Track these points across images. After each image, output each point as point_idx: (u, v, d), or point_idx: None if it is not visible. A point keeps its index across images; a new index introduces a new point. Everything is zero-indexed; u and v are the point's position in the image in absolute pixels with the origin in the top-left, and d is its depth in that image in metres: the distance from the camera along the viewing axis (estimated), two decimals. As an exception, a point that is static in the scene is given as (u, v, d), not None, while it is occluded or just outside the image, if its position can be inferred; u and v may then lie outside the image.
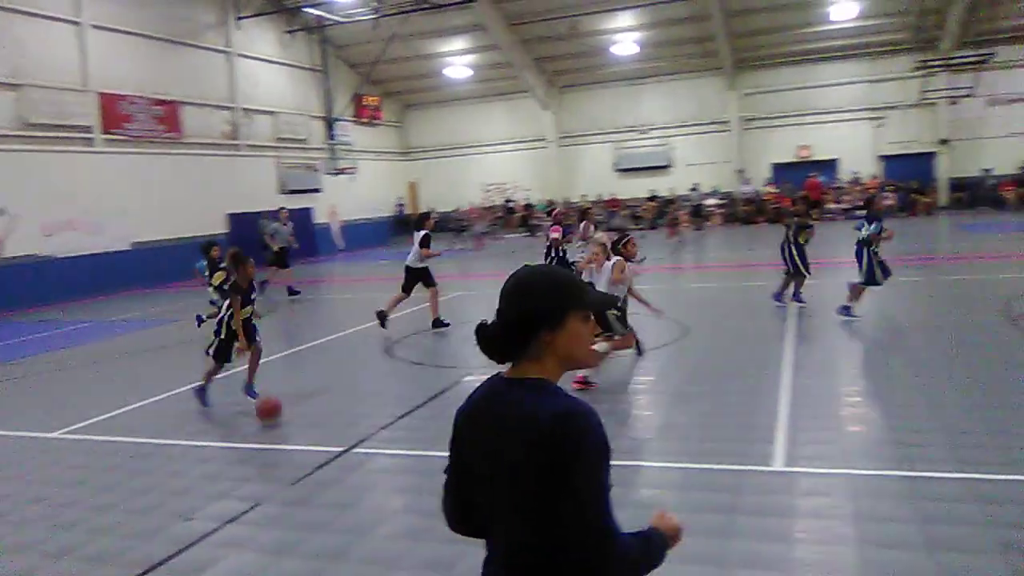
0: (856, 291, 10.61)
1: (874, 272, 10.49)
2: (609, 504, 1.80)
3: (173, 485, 6.15)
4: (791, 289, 11.97)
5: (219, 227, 25.22)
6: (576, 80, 34.31)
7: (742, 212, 31.31)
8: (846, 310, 10.59)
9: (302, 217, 27.26)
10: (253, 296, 8.25)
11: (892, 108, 30.70)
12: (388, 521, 5.26)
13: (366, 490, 5.87)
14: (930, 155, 30.66)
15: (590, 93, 34.52)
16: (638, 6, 28.94)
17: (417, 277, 12.27)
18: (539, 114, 34.76)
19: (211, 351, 8.20)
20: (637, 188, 33.25)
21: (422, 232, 12.24)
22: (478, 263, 23.77)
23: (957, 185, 30.34)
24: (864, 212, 11.41)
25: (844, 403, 7.27)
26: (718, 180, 32.66)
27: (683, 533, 2.03)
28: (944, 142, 30.24)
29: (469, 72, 33.67)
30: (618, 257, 8.17)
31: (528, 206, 34.89)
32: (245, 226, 25.93)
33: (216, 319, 8.43)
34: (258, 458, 6.83)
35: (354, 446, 6.76)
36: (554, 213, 13.41)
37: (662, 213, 30.88)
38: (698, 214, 30.89)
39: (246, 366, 8.39)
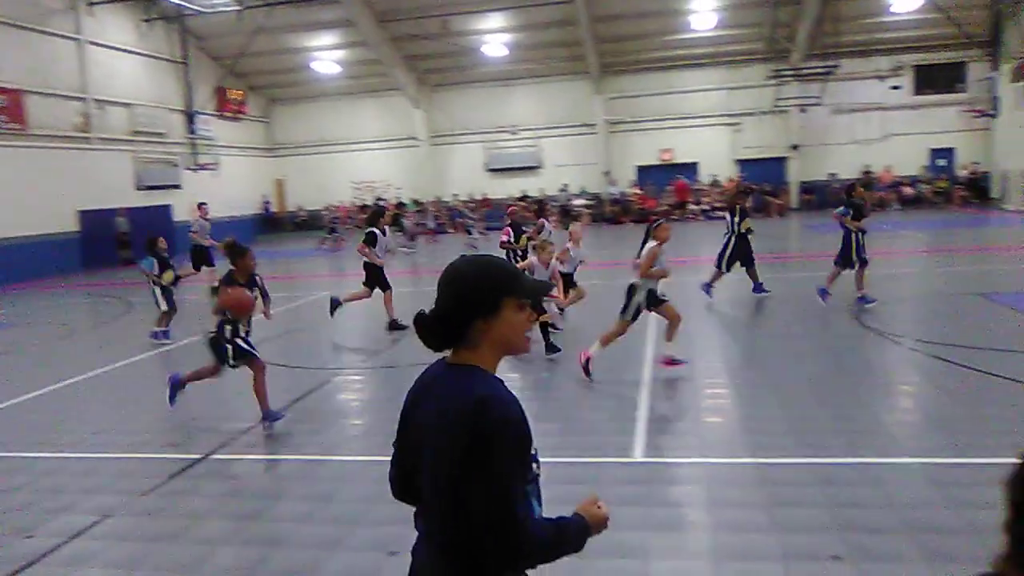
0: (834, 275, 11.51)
1: (850, 256, 11.35)
2: (521, 490, 1.87)
3: (11, 501, 5.74)
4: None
5: (70, 225, 23.77)
6: (447, 79, 34.30)
7: (609, 212, 32.13)
8: (823, 293, 11.43)
9: (160, 214, 26.05)
10: (254, 292, 7.34)
11: (748, 115, 32.26)
12: (248, 529, 5.08)
13: (225, 498, 5.66)
14: (782, 160, 32.44)
15: (461, 93, 34.59)
16: (508, 8, 29.26)
17: (377, 275, 11.71)
18: (410, 112, 34.53)
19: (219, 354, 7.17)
20: (508, 188, 33.56)
21: (369, 229, 11.86)
22: (339, 263, 23.33)
23: (807, 188, 32.22)
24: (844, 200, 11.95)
25: (702, 396, 7.58)
26: (586, 181, 33.42)
27: (609, 522, 2.09)
28: (795, 148, 32.06)
29: (338, 68, 33.04)
30: (653, 242, 8.06)
31: (400, 205, 34.56)
32: (99, 224, 24.58)
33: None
34: (107, 468, 6.44)
35: (212, 452, 6.51)
36: (509, 210, 13.28)
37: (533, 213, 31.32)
38: (567, 214, 31.47)
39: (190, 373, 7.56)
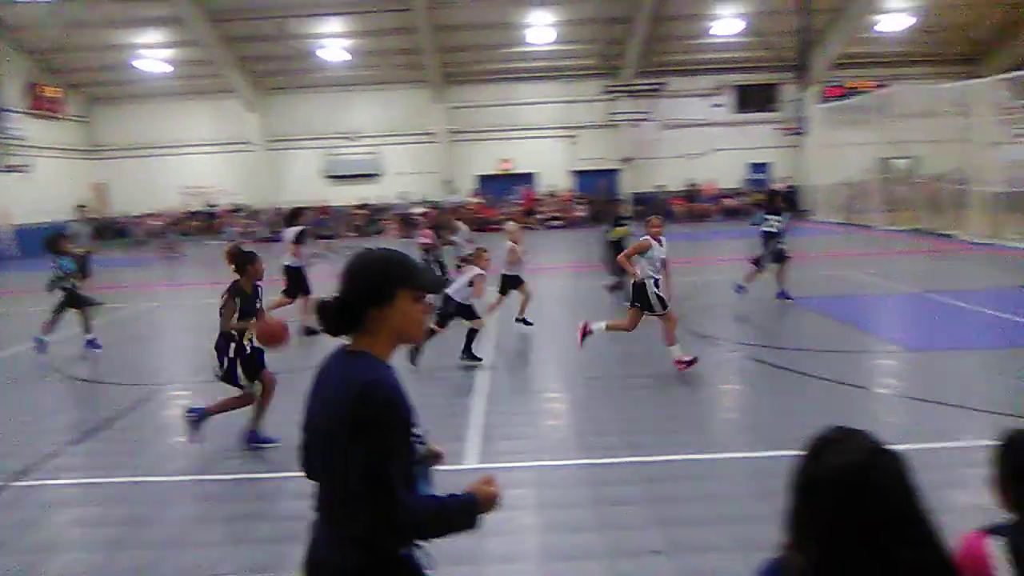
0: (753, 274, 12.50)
1: (765, 258, 12.57)
2: (401, 469, 1.98)
3: None
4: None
5: None
6: (284, 83, 33.37)
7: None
8: (741, 288, 12.39)
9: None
10: (258, 304, 6.55)
11: (583, 128, 33.40)
12: (54, 559, 4.73)
13: (28, 527, 5.23)
14: (615, 171, 33.74)
15: (299, 97, 33.74)
16: (347, 13, 28.89)
17: (299, 278, 11.23)
18: (244, 116, 33.32)
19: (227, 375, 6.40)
20: (347, 195, 33.09)
21: (295, 228, 11.41)
22: (170, 272, 22.23)
23: (638, 199, 33.62)
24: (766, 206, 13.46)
25: (537, 401, 7.76)
26: (427, 190, 33.42)
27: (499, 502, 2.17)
28: (626, 160, 33.43)
29: (167, 68, 31.41)
30: (645, 236, 8.50)
31: (235, 210, 33.32)
32: None
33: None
34: None
35: (14, 479, 6.02)
36: (427, 215, 13.06)
37: (373, 221, 31.06)
38: (407, 222, 31.38)
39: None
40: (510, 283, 10.89)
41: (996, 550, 1.99)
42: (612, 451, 6.02)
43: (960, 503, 4.33)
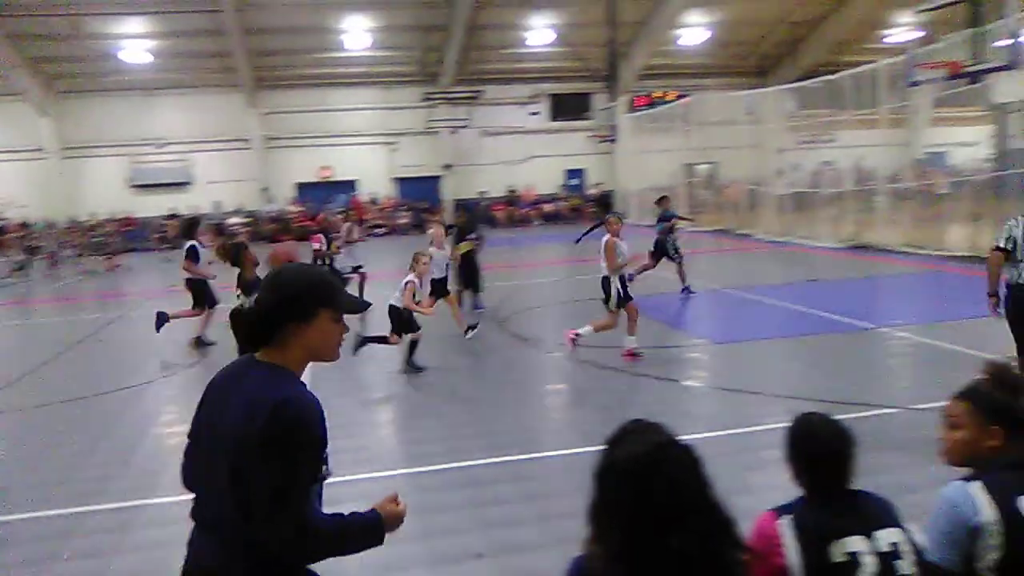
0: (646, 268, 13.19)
1: (668, 253, 13.42)
2: (306, 488, 1.96)
3: None
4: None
5: None
6: (81, 86, 30.95)
7: (267, 231, 31.18)
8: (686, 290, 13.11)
9: None
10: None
11: (404, 134, 33.32)
12: None
13: None
14: (437, 178, 33.88)
15: (99, 101, 31.33)
16: (150, 13, 27.31)
17: (202, 290, 10.83)
18: (35, 121, 30.55)
19: None
20: (155, 206, 31.16)
21: (188, 243, 11.01)
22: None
23: (460, 205, 33.94)
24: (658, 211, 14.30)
25: (362, 413, 7.63)
26: (243, 199, 32.14)
27: (403, 520, 2.22)
28: (448, 167, 33.66)
29: (-60, 67, 28.44)
30: (607, 236, 8.77)
31: (24, 225, 30.54)
32: None
33: None
34: None
35: None
36: (317, 218, 12.54)
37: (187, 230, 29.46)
38: (221, 232, 30.04)
39: None
40: (441, 287, 10.55)
41: (783, 527, 2.16)
42: (434, 458, 6.02)
43: (761, 484, 4.64)
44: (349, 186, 33.02)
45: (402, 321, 8.55)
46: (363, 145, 33.21)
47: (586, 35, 30.89)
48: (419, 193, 33.00)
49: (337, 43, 30.26)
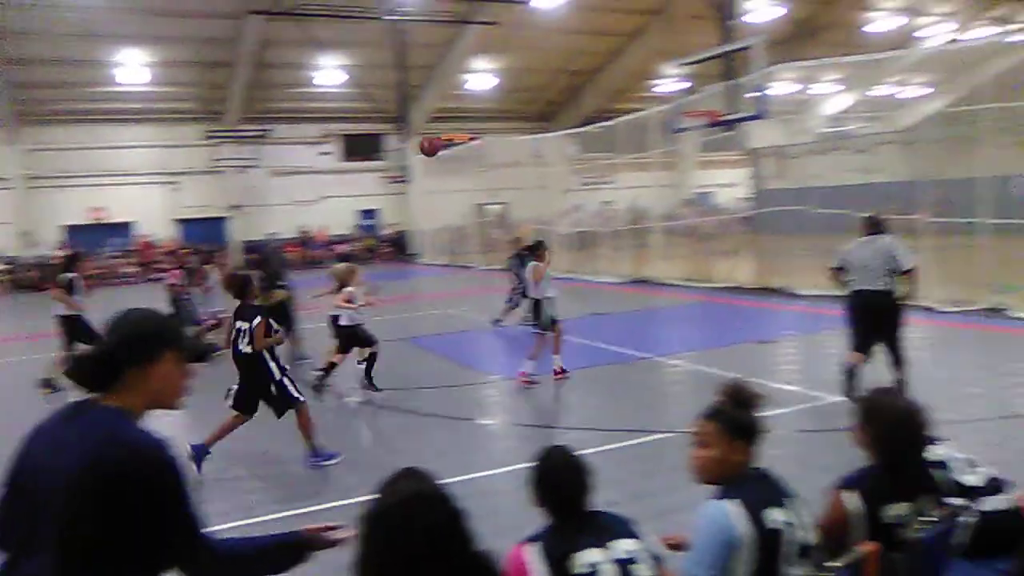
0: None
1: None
2: (195, 519, 1.91)
3: None
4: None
5: None
6: None
7: (27, 279, 28.45)
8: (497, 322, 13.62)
9: None
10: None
11: (185, 174, 31.80)
12: None
13: None
14: (223, 219, 32.54)
15: None
16: None
17: (73, 327, 10.10)
18: None
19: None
20: None
21: (69, 275, 10.48)
22: None
23: (250, 247, 32.77)
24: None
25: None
26: (1, 242, 29.25)
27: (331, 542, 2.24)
28: (235, 207, 32.44)
29: None
30: (534, 262, 9.37)
31: None
32: None
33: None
34: None
35: None
36: (180, 252, 11.36)
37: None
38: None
39: None
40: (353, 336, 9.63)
41: (531, 553, 2.32)
42: (217, 517, 5.75)
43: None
44: (125, 228, 30.98)
45: (355, 337, 8.99)
46: (141, 184, 31.28)
47: (376, 77, 31.09)
48: (204, 235, 31.48)
49: (110, 77, 28.50)
